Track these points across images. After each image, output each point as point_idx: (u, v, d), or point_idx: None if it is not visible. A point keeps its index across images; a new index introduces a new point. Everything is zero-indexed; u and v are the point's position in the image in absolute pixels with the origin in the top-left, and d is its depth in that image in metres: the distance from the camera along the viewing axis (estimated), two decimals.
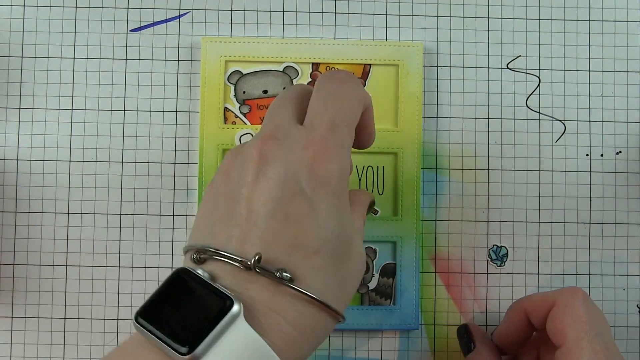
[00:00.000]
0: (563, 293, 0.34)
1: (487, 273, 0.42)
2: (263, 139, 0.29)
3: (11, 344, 0.41)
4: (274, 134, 0.29)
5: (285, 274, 0.27)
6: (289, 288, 0.27)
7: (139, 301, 0.41)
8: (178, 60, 0.42)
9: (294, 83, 0.42)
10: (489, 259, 0.42)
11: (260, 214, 0.28)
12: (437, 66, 0.43)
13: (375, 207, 0.40)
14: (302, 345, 0.28)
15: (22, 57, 0.42)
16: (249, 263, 0.27)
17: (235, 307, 0.25)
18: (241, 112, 0.42)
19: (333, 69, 0.42)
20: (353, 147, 0.33)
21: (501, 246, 0.42)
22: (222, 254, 0.27)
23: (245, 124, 0.42)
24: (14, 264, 0.41)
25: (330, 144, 0.29)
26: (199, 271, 0.27)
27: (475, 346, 0.38)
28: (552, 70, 0.43)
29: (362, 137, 0.33)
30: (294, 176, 0.28)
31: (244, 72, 0.42)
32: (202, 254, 0.28)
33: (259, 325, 0.26)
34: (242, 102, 0.42)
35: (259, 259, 0.27)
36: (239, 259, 0.27)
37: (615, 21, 0.43)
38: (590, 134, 0.43)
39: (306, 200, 0.28)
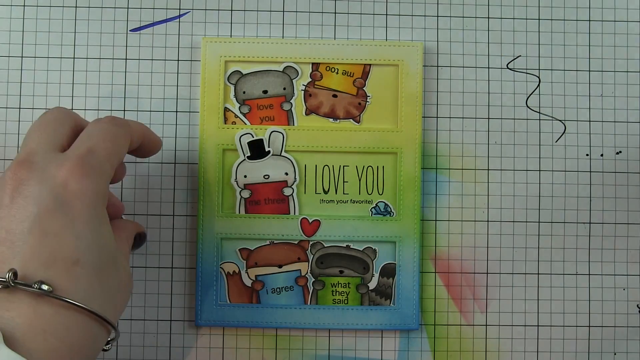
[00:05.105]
0: None
1: (487, 273, 0.42)
2: (17, 163, 0.30)
3: None
4: (28, 158, 0.30)
5: (44, 285, 0.27)
6: (49, 300, 0.27)
7: (139, 301, 0.41)
8: (178, 60, 0.42)
9: (294, 83, 0.42)
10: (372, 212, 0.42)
11: (17, 233, 0.28)
12: (437, 66, 0.43)
13: (146, 239, 0.39)
14: None
15: (22, 57, 0.42)
16: (3, 280, 0.27)
17: None
18: (241, 112, 0.42)
19: (329, 71, 0.42)
20: (140, 155, 0.36)
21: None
22: None
23: (245, 124, 0.42)
24: None
25: (86, 162, 0.30)
26: None
27: None
28: (552, 70, 0.43)
29: (150, 146, 0.36)
30: (49, 193, 0.29)
31: (244, 72, 0.42)
32: None
33: (22, 346, 0.26)
34: (242, 102, 0.42)
35: (15, 274, 0.27)
36: None
37: (615, 21, 0.43)
38: (590, 134, 0.43)
39: (62, 213, 0.29)
